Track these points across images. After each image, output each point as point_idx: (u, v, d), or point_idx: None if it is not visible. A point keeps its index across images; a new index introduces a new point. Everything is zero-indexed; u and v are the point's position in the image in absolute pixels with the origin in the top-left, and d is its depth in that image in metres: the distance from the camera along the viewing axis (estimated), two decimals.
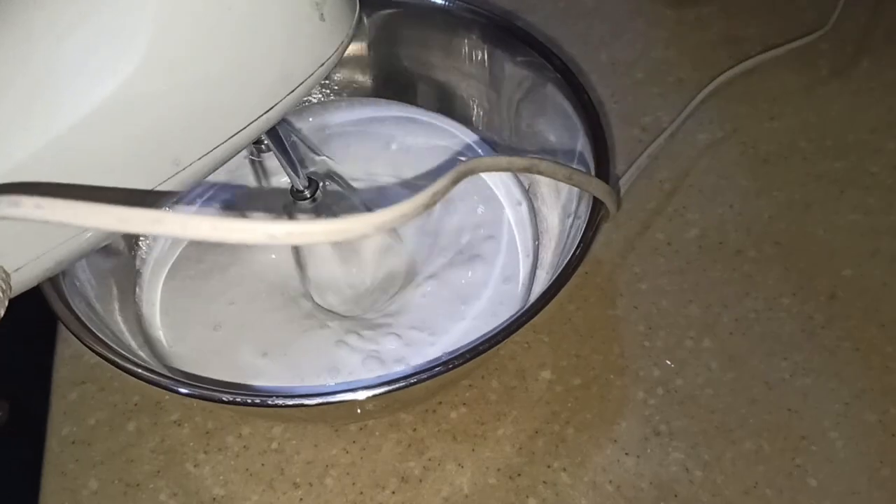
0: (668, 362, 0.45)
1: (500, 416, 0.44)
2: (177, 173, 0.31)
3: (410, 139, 0.52)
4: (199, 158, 0.31)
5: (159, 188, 0.31)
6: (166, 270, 0.47)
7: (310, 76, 0.31)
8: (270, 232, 0.23)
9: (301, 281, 0.46)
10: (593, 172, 0.40)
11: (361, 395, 0.34)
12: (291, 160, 0.40)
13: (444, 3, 0.47)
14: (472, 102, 0.51)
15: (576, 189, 0.42)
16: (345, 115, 0.53)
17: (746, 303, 0.47)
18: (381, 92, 0.53)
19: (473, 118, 0.51)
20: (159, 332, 0.45)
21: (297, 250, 0.46)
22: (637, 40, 0.62)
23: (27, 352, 0.44)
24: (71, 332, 0.37)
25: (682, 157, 0.54)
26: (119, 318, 0.43)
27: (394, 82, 0.52)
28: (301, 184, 0.42)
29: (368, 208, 0.47)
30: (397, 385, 0.34)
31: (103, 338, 0.37)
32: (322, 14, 0.30)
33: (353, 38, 0.32)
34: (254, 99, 0.30)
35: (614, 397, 0.44)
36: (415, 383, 0.34)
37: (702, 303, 0.47)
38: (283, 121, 0.34)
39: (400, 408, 0.44)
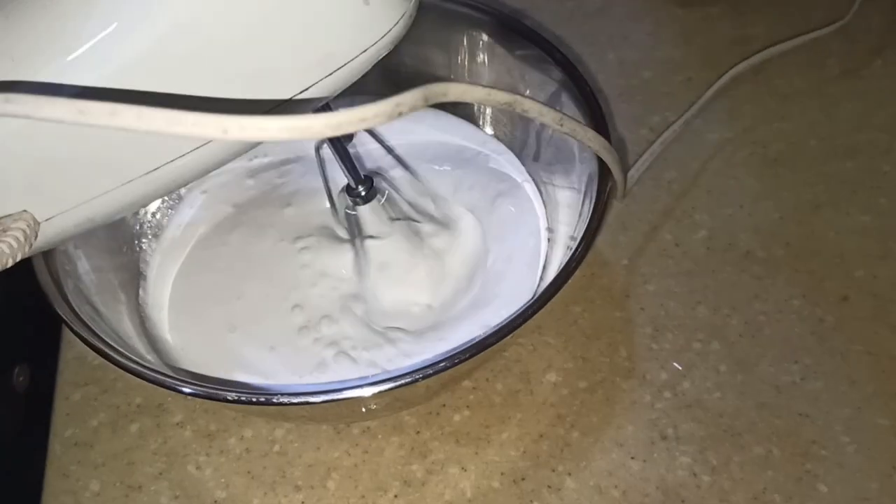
0: (676, 365, 0.45)
1: (505, 420, 0.43)
2: (208, 142, 0.30)
3: (419, 137, 0.51)
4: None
5: (189, 156, 0.30)
6: (174, 272, 0.47)
7: (351, 60, 0.30)
8: (224, 125, 0.23)
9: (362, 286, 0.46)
10: (597, 168, 0.40)
11: (367, 392, 0.34)
12: (347, 155, 0.40)
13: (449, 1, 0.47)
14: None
15: (583, 179, 0.41)
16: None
17: (756, 305, 0.47)
18: (383, 90, 0.52)
19: (478, 116, 0.51)
20: (166, 335, 0.45)
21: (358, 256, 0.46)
22: (645, 40, 0.61)
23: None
24: (71, 329, 0.37)
25: (690, 158, 0.54)
26: (126, 321, 0.43)
27: (396, 80, 0.52)
28: (355, 181, 0.42)
29: (420, 211, 0.47)
30: (402, 381, 0.34)
31: (105, 337, 0.37)
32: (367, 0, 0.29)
33: (406, 28, 0.31)
34: (289, 76, 0.30)
35: (620, 400, 0.44)
36: (419, 379, 0.34)
37: (710, 305, 0.47)
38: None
39: (403, 406, 0.43)
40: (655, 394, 0.44)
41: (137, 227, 0.48)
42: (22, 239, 0.29)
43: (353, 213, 0.44)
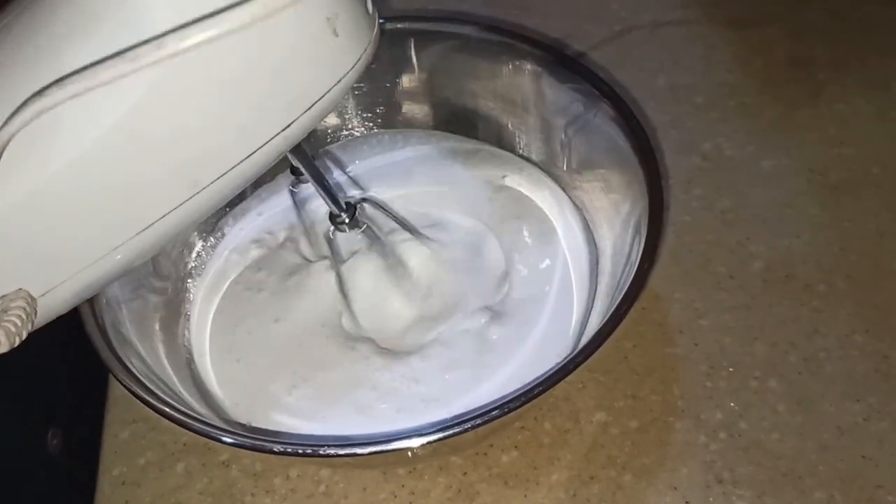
0: (732, 404, 0.43)
1: (554, 461, 0.42)
2: (194, 195, 0.30)
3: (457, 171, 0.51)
4: (218, 178, 0.30)
5: (177, 211, 0.30)
6: (213, 311, 0.47)
7: (326, 93, 0.30)
8: None
9: (344, 310, 0.45)
10: (647, 200, 0.38)
11: (415, 443, 0.33)
12: (326, 185, 0.40)
13: (490, 33, 0.46)
14: (518, 132, 0.50)
15: (634, 213, 0.40)
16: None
17: (816, 341, 0.45)
18: (425, 122, 0.52)
19: (522, 147, 0.50)
20: (210, 375, 0.45)
21: (340, 280, 0.45)
22: (697, 64, 0.60)
23: (79, 383, 0.45)
24: (118, 380, 0.37)
25: (744, 186, 0.52)
26: (166, 362, 0.43)
27: (444, 113, 0.51)
28: (337, 208, 0.41)
29: (409, 230, 0.46)
30: (451, 431, 0.33)
31: (149, 384, 0.37)
32: (335, 29, 0.29)
33: (373, 53, 0.31)
34: (270, 116, 0.30)
35: (674, 441, 0.42)
36: (469, 429, 0.33)
37: (768, 341, 0.45)
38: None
39: (451, 452, 0.42)
40: (711, 434, 0.42)
41: (181, 267, 0.48)
42: (24, 317, 0.29)
43: (333, 238, 0.44)
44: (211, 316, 0.47)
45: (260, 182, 0.51)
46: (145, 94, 0.27)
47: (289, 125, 0.30)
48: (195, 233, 0.49)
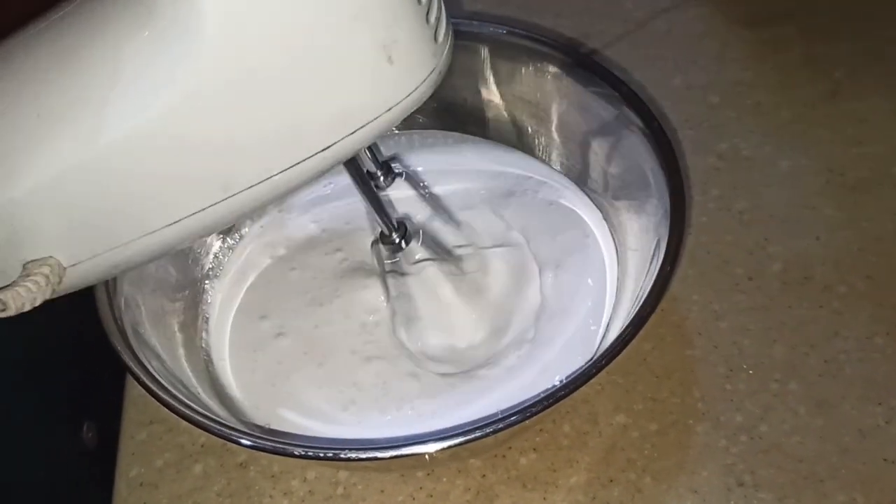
0: (752, 407, 0.43)
1: (573, 463, 0.42)
2: (225, 199, 0.30)
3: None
4: (249, 188, 0.30)
5: (207, 212, 0.30)
6: (233, 314, 0.47)
7: (373, 119, 0.30)
8: None
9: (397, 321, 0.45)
10: (669, 204, 0.38)
11: (432, 448, 0.33)
12: (379, 204, 0.39)
13: (506, 32, 0.46)
14: (538, 135, 0.49)
15: (655, 218, 0.40)
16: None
17: (836, 343, 0.44)
18: (438, 123, 0.52)
19: (543, 151, 0.50)
20: (229, 377, 0.45)
21: (388, 289, 0.45)
22: (712, 63, 0.59)
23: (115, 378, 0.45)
24: (137, 381, 0.37)
25: (761, 186, 0.52)
26: (185, 363, 0.43)
27: (459, 115, 0.51)
28: (388, 229, 0.41)
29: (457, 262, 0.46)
30: (468, 437, 0.33)
31: (168, 385, 0.37)
32: (390, 57, 0.28)
33: (435, 85, 0.31)
34: (309, 134, 0.29)
35: (694, 444, 0.42)
36: (484, 435, 0.33)
37: (787, 343, 0.45)
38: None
39: (470, 455, 0.42)
40: (731, 437, 0.42)
41: (199, 269, 0.48)
42: (43, 284, 0.29)
43: (392, 259, 0.43)
44: (231, 317, 0.46)
45: None
46: (187, 96, 0.27)
47: (329, 146, 0.30)
48: (214, 232, 0.49)
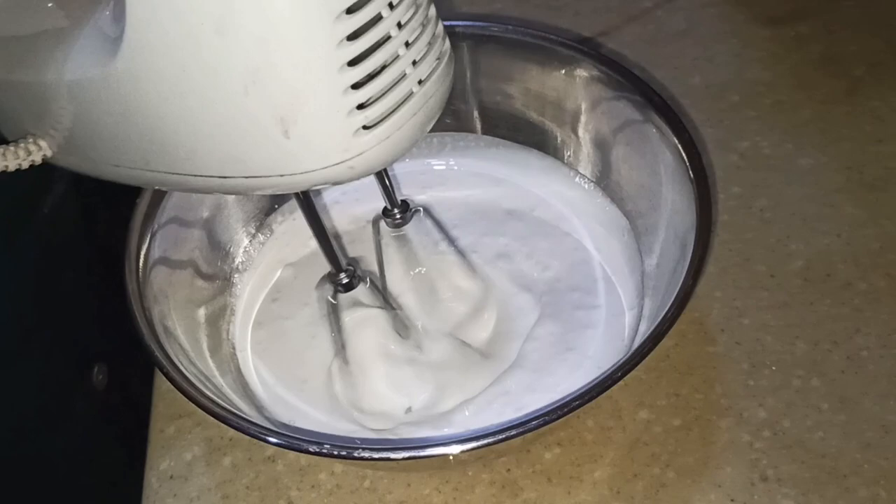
0: (775, 403, 0.43)
1: (597, 458, 0.43)
2: (149, 171, 0.32)
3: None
4: (165, 172, 0.31)
5: (137, 172, 0.32)
6: (259, 308, 0.47)
7: (267, 176, 0.29)
8: None
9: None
10: (696, 209, 0.39)
11: (455, 449, 0.34)
12: (326, 242, 0.38)
13: (533, 35, 0.46)
14: (565, 138, 0.50)
15: (681, 224, 0.41)
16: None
17: (858, 339, 0.45)
18: (464, 125, 0.52)
19: (567, 153, 0.50)
20: (251, 370, 0.45)
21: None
22: (731, 62, 0.60)
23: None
24: (166, 376, 0.37)
25: (781, 184, 0.52)
26: (208, 356, 0.44)
27: (491, 118, 0.51)
28: (337, 267, 0.39)
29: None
30: (488, 440, 0.33)
31: (195, 381, 0.38)
32: (286, 132, 0.27)
33: (356, 176, 0.29)
34: (206, 159, 0.30)
35: (717, 440, 0.42)
36: (505, 439, 0.33)
37: (809, 339, 0.45)
38: None
39: (495, 457, 0.43)
40: (754, 433, 0.42)
41: (230, 263, 0.48)
42: (22, 156, 0.33)
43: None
44: (257, 312, 0.47)
45: None
46: (113, 82, 0.29)
47: (226, 177, 0.30)
48: (242, 229, 0.49)
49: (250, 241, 0.50)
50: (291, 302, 0.47)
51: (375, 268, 0.46)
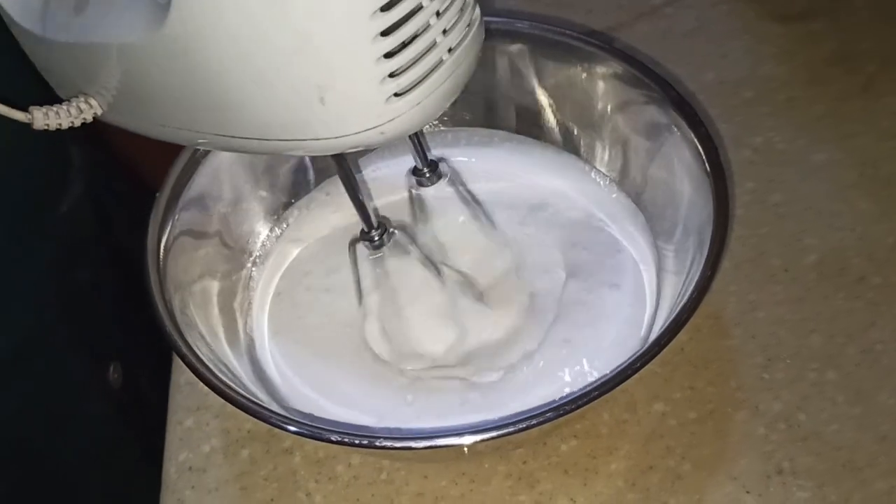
0: (790, 396, 0.43)
1: (612, 450, 0.43)
2: (193, 131, 0.33)
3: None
4: (209, 133, 0.33)
5: (181, 133, 0.34)
6: (275, 299, 0.48)
7: (303, 139, 0.31)
8: None
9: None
10: (713, 203, 0.39)
11: (468, 440, 0.34)
12: (358, 199, 0.39)
13: (550, 30, 0.46)
14: (582, 134, 0.50)
15: (697, 219, 0.41)
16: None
17: (872, 333, 0.45)
18: (485, 121, 0.53)
19: (585, 150, 0.50)
20: (269, 359, 0.46)
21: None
22: (744, 58, 0.60)
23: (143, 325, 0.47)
24: (186, 364, 0.38)
25: (795, 180, 0.52)
26: (226, 346, 0.44)
27: (500, 112, 0.52)
28: (368, 225, 0.41)
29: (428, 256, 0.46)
30: (507, 430, 0.34)
31: (215, 370, 0.38)
32: (323, 99, 0.29)
33: (384, 142, 0.31)
34: (247, 119, 0.31)
35: (733, 432, 0.43)
36: (524, 429, 0.34)
37: (824, 333, 0.45)
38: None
39: (512, 448, 0.43)
40: (769, 426, 0.43)
41: (247, 255, 0.49)
42: (73, 113, 0.34)
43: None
44: (273, 303, 0.47)
45: (326, 173, 0.51)
46: (157, 45, 0.30)
47: (264, 139, 0.32)
48: (261, 220, 0.50)
49: (268, 234, 0.50)
50: (309, 292, 0.48)
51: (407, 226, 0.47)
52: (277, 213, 0.50)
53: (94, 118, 0.35)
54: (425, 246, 0.46)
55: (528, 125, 0.51)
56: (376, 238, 0.41)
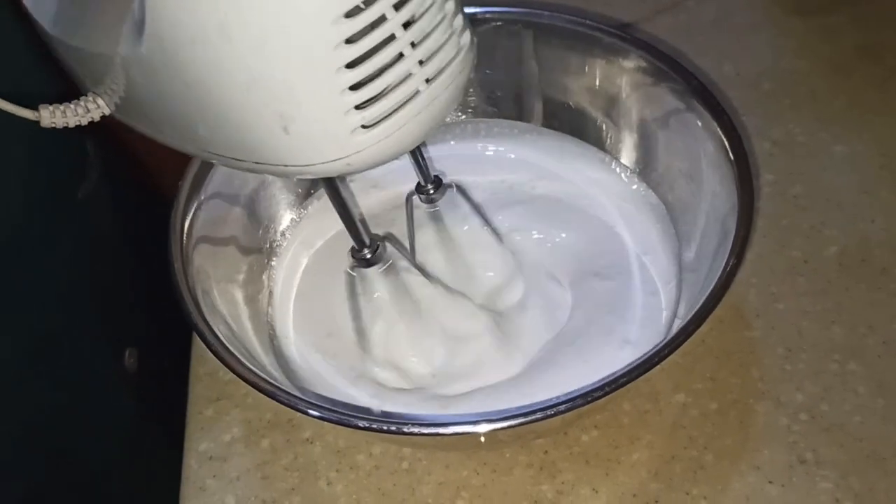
0: (812, 387, 0.43)
1: (634, 440, 0.43)
2: (183, 142, 0.33)
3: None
4: (195, 148, 0.33)
5: (176, 142, 0.33)
6: (296, 288, 0.48)
7: (274, 165, 0.30)
8: None
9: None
10: (738, 193, 0.39)
11: (496, 426, 0.34)
12: (349, 218, 0.38)
13: (572, 22, 0.46)
14: (603, 125, 0.50)
15: (720, 211, 0.41)
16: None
17: (895, 324, 0.45)
18: (502, 112, 0.52)
19: (607, 142, 0.50)
20: (291, 348, 0.46)
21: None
22: (764, 51, 0.60)
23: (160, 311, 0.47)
24: (210, 349, 0.38)
25: (816, 171, 0.52)
26: (252, 334, 0.44)
27: (519, 103, 0.52)
28: (361, 243, 0.40)
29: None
30: (533, 417, 0.34)
31: (240, 357, 0.38)
32: (286, 128, 0.28)
33: (353, 171, 0.30)
34: (218, 141, 0.31)
35: (755, 423, 0.42)
36: (552, 415, 0.34)
37: (846, 324, 0.45)
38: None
39: (535, 437, 0.43)
40: (791, 416, 0.42)
41: (268, 244, 0.49)
42: (81, 112, 0.34)
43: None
44: (294, 292, 0.48)
45: None
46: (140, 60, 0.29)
47: (238, 160, 0.31)
48: (283, 209, 0.50)
49: (290, 223, 0.50)
50: (328, 280, 0.48)
51: (407, 244, 0.47)
52: (300, 200, 0.50)
53: (102, 117, 0.35)
54: (431, 264, 0.46)
55: (549, 116, 0.51)
56: (368, 256, 0.40)
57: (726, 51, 0.60)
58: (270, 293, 0.48)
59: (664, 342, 0.35)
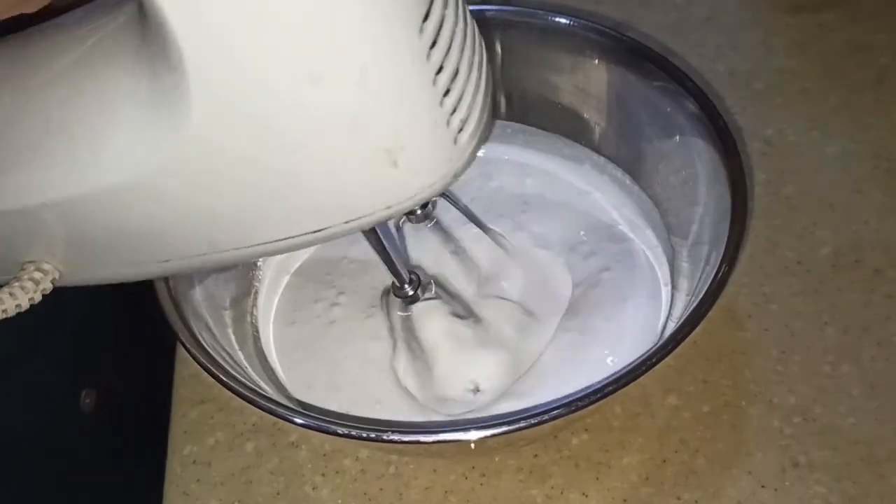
0: (805, 389, 0.43)
1: (625, 444, 0.42)
2: (211, 253, 0.30)
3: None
4: (235, 249, 0.30)
5: (194, 260, 0.31)
6: (282, 292, 0.47)
7: (371, 214, 0.28)
8: None
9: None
10: (730, 199, 0.38)
11: (477, 435, 0.33)
12: (390, 259, 0.37)
13: (566, 21, 0.46)
14: (596, 126, 0.49)
15: (713, 213, 0.40)
16: None
17: (889, 326, 0.44)
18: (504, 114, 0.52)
19: (597, 141, 0.49)
20: (274, 358, 0.45)
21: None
22: (756, 49, 0.59)
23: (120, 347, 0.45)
24: (191, 356, 0.37)
25: (809, 172, 0.52)
26: (233, 338, 0.43)
27: (522, 106, 0.51)
28: (402, 280, 0.39)
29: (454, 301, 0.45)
30: (517, 426, 0.33)
31: (222, 362, 0.37)
32: (395, 162, 0.26)
33: (444, 187, 0.29)
34: (297, 218, 0.29)
35: (747, 426, 0.42)
36: (535, 424, 0.33)
37: (839, 326, 0.45)
38: None
39: (524, 444, 0.42)
40: (784, 419, 0.42)
41: None
42: (31, 288, 0.30)
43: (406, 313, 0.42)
44: (280, 296, 0.47)
45: None
46: (174, 163, 0.27)
47: (321, 229, 0.29)
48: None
49: None
50: (314, 286, 0.47)
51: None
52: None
53: (53, 285, 0.31)
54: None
55: (541, 117, 0.50)
56: (410, 292, 0.40)
57: (718, 49, 0.59)
58: (255, 295, 0.47)
59: (653, 349, 0.34)
